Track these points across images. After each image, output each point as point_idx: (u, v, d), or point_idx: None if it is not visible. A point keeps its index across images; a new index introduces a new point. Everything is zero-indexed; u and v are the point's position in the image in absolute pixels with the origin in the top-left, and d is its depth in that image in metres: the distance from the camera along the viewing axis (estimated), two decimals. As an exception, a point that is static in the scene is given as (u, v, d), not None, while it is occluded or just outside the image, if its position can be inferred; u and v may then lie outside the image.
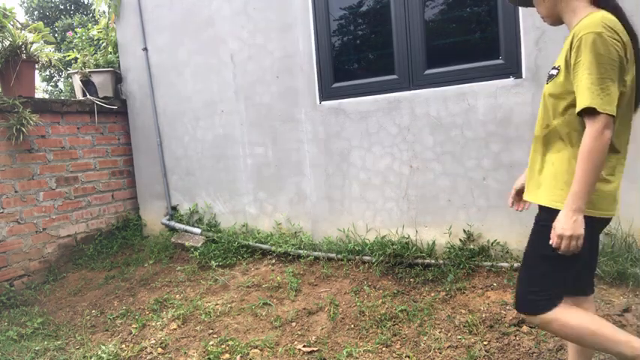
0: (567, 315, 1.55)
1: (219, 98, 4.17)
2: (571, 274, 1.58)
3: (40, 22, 4.35)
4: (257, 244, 3.85)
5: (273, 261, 3.69)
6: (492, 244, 3.21)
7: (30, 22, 5.37)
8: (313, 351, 2.43)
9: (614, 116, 1.41)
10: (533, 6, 1.73)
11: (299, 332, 2.64)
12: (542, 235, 1.55)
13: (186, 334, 2.75)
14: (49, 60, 4.21)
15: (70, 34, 5.89)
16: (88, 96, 4.46)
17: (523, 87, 3.05)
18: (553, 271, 1.57)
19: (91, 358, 2.54)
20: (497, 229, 3.22)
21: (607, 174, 1.53)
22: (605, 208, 1.53)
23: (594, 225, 1.52)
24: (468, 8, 3.28)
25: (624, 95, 1.46)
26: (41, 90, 9.47)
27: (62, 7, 10.63)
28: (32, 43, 4.00)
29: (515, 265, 3.02)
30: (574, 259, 1.50)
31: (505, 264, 3.07)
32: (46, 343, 2.78)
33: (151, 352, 2.58)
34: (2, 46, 3.82)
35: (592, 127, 1.41)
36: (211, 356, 2.44)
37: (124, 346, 2.69)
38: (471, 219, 3.29)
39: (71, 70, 4.71)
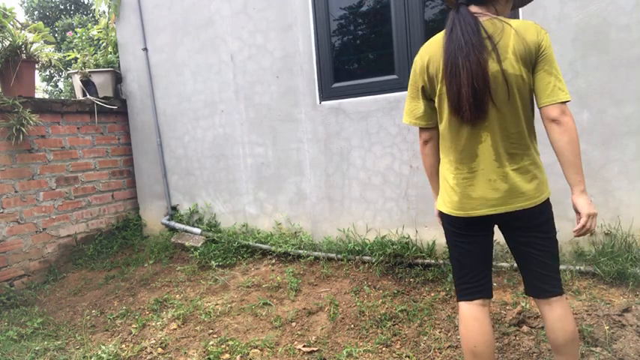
0: (461, 316, 1.73)
1: (219, 98, 4.17)
2: (456, 268, 1.76)
3: (40, 22, 4.35)
4: (257, 244, 3.85)
5: (273, 261, 3.69)
6: (492, 244, 3.21)
7: (30, 22, 5.37)
8: (313, 351, 2.43)
9: (429, 126, 1.75)
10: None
11: (299, 332, 2.64)
12: None
13: (186, 334, 2.75)
14: (49, 60, 4.21)
15: (70, 34, 5.89)
16: (88, 96, 4.46)
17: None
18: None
19: (91, 358, 2.54)
20: (497, 229, 3.21)
21: (442, 174, 1.73)
22: (446, 204, 1.70)
23: (446, 219, 1.73)
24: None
25: (438, 108, 1.67)
26: (41, 90, 9.47)
27: (62, 7, 10.63)
28: (32, 43, 4.00)
29: (515, 264, 3.02)
30: (450, 252, 1.78)
31: (505, 264, 3.07)
32: (46, 343, 2.78)
33: (151, 352, 2.58)
34: (2, 46, 3.82)
35: None
36: (211, 356, 2.44)
37: (124, 346, 2.69)
38: (470, 219, 3.29)
39: (71, 70, 4.71)
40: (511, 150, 1.56)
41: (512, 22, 1.55)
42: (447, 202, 1.70)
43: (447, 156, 1.69)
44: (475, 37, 1.50)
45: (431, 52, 1.63)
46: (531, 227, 1.62)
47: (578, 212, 1.55)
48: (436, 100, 1.65)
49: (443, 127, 1.66)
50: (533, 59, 1.51)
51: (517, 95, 1.52)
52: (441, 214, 1.77)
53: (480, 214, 1.61)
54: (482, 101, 1.51)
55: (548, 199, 1.63)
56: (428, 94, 1.69)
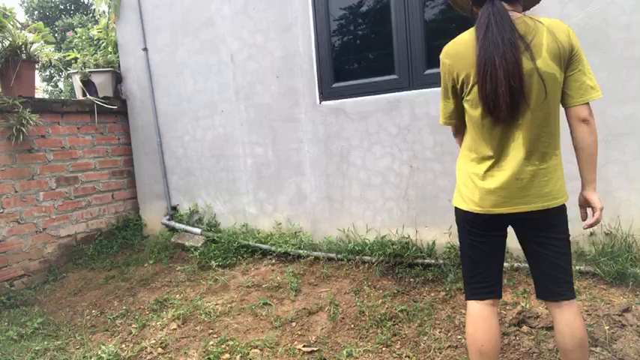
0: (469, 315, 1.72)
1: (219, 98, 4.17)
2: (468, 267, 1.73)
3: (40, 22, 4.34)
4: (257, 244, 3.85)
5: (273, 261, 3.69)
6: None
7: (30, 22, 5.38)
8: (313, 351, 2.43)
9: (459, 125, 1.75)
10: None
11: (299, 332, 2.64)
12: None
13: (186, 334, 2.75)
14: (49, 60, 4.21)
15: (70, 34, 5.89)
16: (88, 96, 4.46)
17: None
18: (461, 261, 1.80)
19: (91, 358, 2.54)
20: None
21: (465, 171, 1.71)
22: (467, 202, 1.68)
23: (463, 216, 1.70)
24: (468, 8, 3.27)
25: (470, 107, 1.62)
26: (41, 90, 9.48)
27: (62, 7, 10.64)
28: (32, 43, 4.00)
29: (515, 264, 3.02)
30: (462, 250, 1.75)
31: (505, 264, 3.06)
32: (46, 343, 2.78)
33: (151, 352, 2.58)
34: (2, 46, 3.83)
35: None
36: (211, 356, 2.44)
37: (124, 346, 2.69)
38: (471, 219, 3.29)
39: (71, 70, 4.71)
40: (542, 149, 1.56)
41: (544, 20, 1.54)
42: (467, 199, 1.66)
43: (475, 153, 1.65)
44: (512, 36, 1.48)
45: (459, 51, 1.60)
46: (547, 228, 1.61)
47: (590, 207, 1.64)
48: (467, 99, 1.61)
49: (474, 125, 1.63)
50: (566, 59, 1.52)
51: (551, 94, 1.52)
52: (457, 212, 1.74)
53: (504, 211, 1.58)
54: (519, 101, 1.49)
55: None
56: (458, 93, 1.66)
